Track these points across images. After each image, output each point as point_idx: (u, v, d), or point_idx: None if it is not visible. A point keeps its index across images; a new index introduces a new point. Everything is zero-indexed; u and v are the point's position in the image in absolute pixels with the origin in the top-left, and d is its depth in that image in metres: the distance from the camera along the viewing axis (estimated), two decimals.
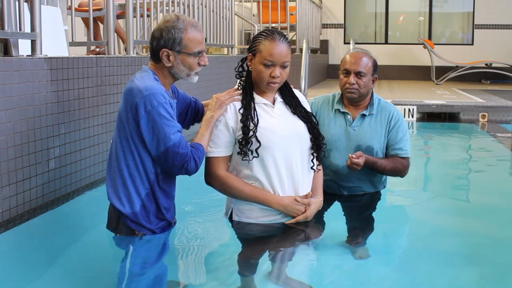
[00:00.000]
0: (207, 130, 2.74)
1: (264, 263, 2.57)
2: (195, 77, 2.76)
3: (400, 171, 3.42)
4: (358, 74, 3.32)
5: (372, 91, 3.45)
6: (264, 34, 2.79)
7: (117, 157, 2.66)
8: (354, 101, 3.41)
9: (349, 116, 3.42)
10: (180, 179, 2.83)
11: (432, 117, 7.82)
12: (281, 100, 2.89)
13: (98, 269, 2.54)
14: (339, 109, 3.44)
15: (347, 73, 3.35)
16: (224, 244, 2.83)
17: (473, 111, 7.77)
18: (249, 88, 2.84)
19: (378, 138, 3.39)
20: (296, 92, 2.98)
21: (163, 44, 2.66)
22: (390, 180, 3.61)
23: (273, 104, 2.87)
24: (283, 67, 2.77)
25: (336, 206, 3.32)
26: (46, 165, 3.37)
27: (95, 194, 3.66)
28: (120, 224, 2.69)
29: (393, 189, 3.70)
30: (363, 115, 3.41)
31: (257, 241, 2.79)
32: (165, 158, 2.58)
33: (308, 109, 2.98)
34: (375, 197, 3.48)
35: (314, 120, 2.93)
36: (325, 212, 3.14)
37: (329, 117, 3.44)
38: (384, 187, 3.55)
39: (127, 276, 2.47)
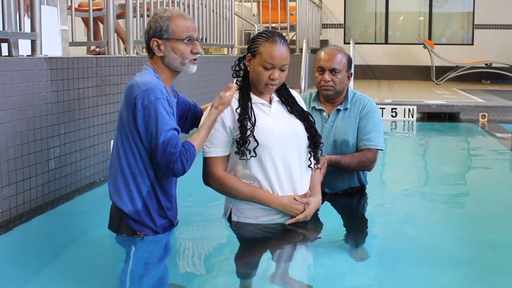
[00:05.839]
0: (208, 120, 2.71)
1: (264, 263, 2.57)
2: (191, 66, 2.74)
3: (365, 165, 3.38)
4: (333, 71, 3.32)
5: (348, 87, 3.45)
6: (265, 35, 2.78)
7: (118, 155, 2.66)
8: (330, 98, 3.41)
9: (324, 113, 3.43)
10: (180, 180, 2.83)
11: (432, 117, 7.82)
12: (278, 99, 2.90)
13: (99, 270, 2.54)
14: (315, 107, 3.44)
15: (322, 70, 3.36)
16: (223, 244, 2.83)
17: (473, 111, 7.77)
18: (246, 87, 2.84)
19: (353, 131, 3.38)
20: (292, 91, 2.99)
21: (152, 34, 2.69)
22: (390, 180, 3.60)
23: (270, 103, 2.87)
24: (282, 70, 2.77)
25: (333, 205, 3.31)
26: (46, 165, 3.37)
27: (95, 194, 3.66)
28: (122, 224, 2.69)
29: (392, 189, 3.71)
30: (338, 110, 3.41)
31: (256, 242, 2.78)
32: (155, 155, 2.58)
33: (305, 108, 2.99)
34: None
35: (311, 118, 2.94)
36: (323, 212, 3.13)
37: None
38: (366, 181, 3.53)
39: (129, 277, 2.47)
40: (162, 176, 2.69)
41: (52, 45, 4.23)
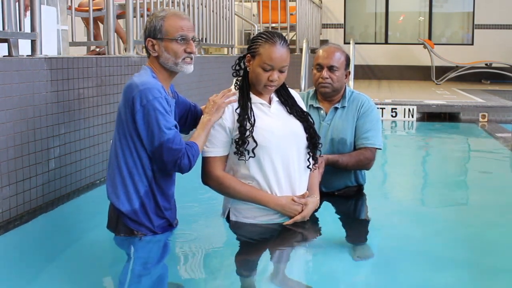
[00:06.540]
0: (203, 132, 2.74)
1: (262, 263, 2.57)
2: (186, 66, 2.70)
3: (364, 164, 3.37)
4: (331, 68, 3.32)
5: (346, 85, 3.45)
6: (265, 36, 2.77)
7: (116, 155, 2.66)
8: (327, 95, 3.41)
9: (322, 111, 3.43)
10: (178, 180, 2.82)
11: (432, 117, 7.82)
12: (277, 99, 2.90)
13: (98, 270, 2.54)
14: (312, 105, 3.44)
15: (320, 67, 3.36)
16: (222, 244, 2.83)
17: (473, 111, 7.77)
18: (246, 88, 2.84)
19: (351, 129, 3.38)
20: (292, 91, 2.99)
21: (148, 34, 2.70)
22: (389, 180, 3.60)
23: (270, 103, 2.87)
24: (281, 71, 2.76)
25: (329, 204, 3.31)
26: (46, 165, 3.37)
27: (95, 194, 3.66)
28: (119, 224, 2.69)
29: (391, 189, 3.71)
30: (336, 108, 3.41)
31: (255, 242, 2.79)
32: (160, 153, 2.58)
33: (304, 108, 2.99)
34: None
35: (310, 119, 2.94)
36: (322, 212, 3.13)
37: None
38: (364, 181, 3.53)
39: (128, 277, 2.47)
40: (161, 176, 2.68)
41: (52, 45, 4.24)
